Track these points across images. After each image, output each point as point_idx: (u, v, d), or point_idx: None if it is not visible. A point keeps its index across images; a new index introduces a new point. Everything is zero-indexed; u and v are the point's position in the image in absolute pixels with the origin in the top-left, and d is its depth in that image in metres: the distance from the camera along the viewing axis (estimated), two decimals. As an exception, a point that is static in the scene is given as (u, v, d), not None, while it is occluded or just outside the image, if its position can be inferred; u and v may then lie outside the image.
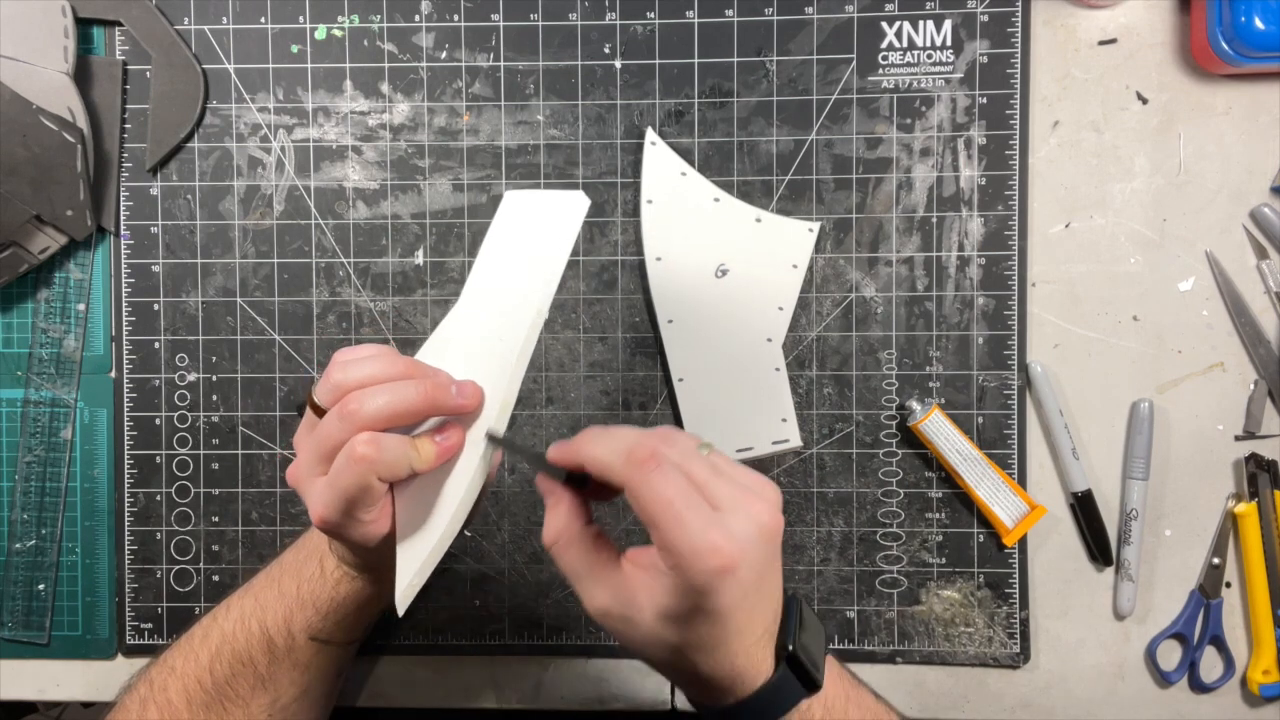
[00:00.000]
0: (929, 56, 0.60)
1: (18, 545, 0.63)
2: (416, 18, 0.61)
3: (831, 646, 0.61)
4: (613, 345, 0.61)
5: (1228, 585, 0.61)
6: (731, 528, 0.37)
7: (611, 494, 0.42)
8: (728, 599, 0.37)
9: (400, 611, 0.43)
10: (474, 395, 0.43)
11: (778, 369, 0.60)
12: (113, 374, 0.63)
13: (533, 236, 0.46)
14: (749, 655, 0.39)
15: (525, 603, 0.62)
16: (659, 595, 0.38)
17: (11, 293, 0.63)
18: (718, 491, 0.38)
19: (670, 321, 0.60)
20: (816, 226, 0.60)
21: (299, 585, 0.50)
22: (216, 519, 0.63)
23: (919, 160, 0.60)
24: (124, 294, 0.62)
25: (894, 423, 0.61)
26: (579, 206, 0.45)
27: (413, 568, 0.43)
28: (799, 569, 0.61)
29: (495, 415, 0.43)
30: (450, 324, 0.47)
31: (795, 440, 0.60)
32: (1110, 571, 0.61)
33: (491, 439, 0.43)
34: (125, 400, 0.62)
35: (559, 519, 0.41)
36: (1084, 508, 0.60)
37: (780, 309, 0.60)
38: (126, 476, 0.63)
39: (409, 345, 0.61)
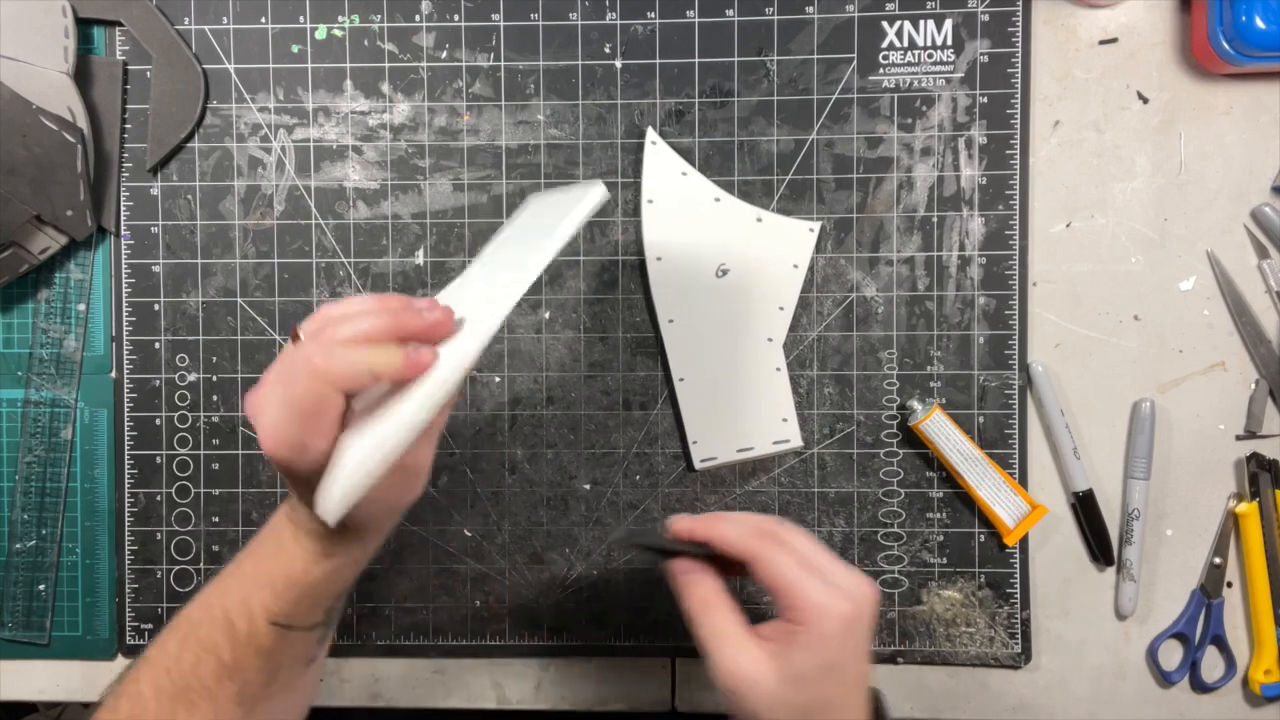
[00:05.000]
0: (930, 56, 0.60)
1: (18, 545, 0.63)
2: (417, 18, 0.61)
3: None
4: (613, 345, 0.61)
5: (1229, 585, 0.61)
6: (846, 588, 0.44)
7: (730, 575, 0.48)
8: (849, 651, 0.43)
9: (330, 520, 0.39)
10: (444, 315, 0.42)
11: (778, 369, 0.60)
12: (113, 374, 0.63)
13: (544, 220, 0.46)
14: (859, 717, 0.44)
15: (525, 603, 0.62)
16: (788, 656, 0.43)
17: (12, 293, 0.63)
18: (827, 564, 0.45)
19: (671, 321, 0.60)
20: (817, 226, 0.60)
21: (256, 563, 0.48)
22: (217, 519, 0.62)
23: (920, 160, 0.60)
24: (124, 294, 0.62)
25: (895, 423, 0.61)
26: (596, 193, 0.44)
27: (345, 471, 0.39)
28: (800, 569, 0.61)
29: (473, 344, 0.40)
30: (449, 290, 0.46)
31: (796, 440, 0.60)
32: (1111, 571, 0.61)
33: (632, 543, 0.52)
34: (125, 400, 0.62)
35: (707, 585, 0.47)
36: (1085, 507, 0.60)
37: (781, 309, 0.60)
38: (127, 476, 0.63)
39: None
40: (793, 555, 0.44)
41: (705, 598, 0.47)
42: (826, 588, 0.43)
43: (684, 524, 0.48)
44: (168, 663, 0.48)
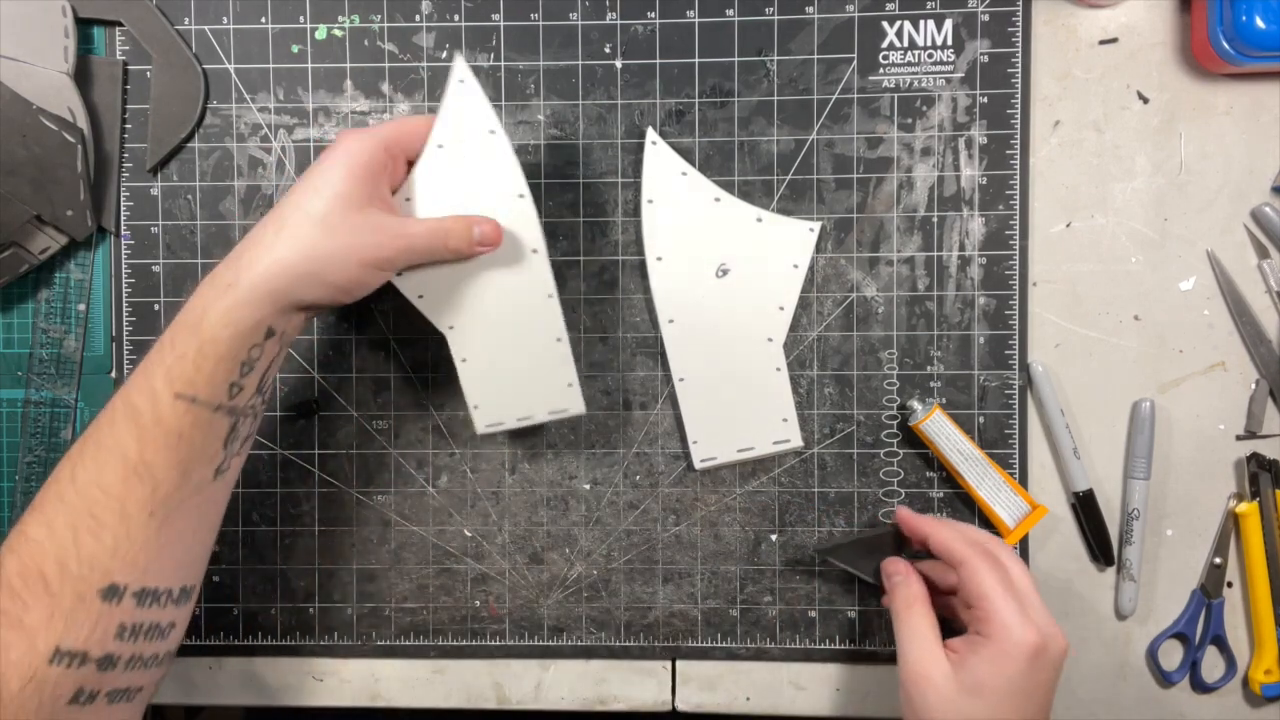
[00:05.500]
0: (930, 56, 0.60)
1: (18, 546, 0.63)
2: (417, 18, 0.61)
3: (833, 647, 0.61)
4: (613, 345, 0.61)
5: (1229, 585, 0.61)
6: (1040, 623, 0.47)
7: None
8: (1030, 682, 0.46)
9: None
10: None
11: (778, 369, 0.60)
12: (113, 374, 0.63)
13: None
14: None
15: (525, 603, 0.62)
16: (969, 665, 0.47)
17: (12, 293, 0.63)
18: (1031, 598, 0.48)
19: (671, 321, 0.60)
20: (817, 226, 0.60)
21: (161, 344, 0.46)
22: (217, 519, 0.62)
23: (920, 160, 0.60)
24: (124, 294, 0.62)
25: (895, 423, 0.61)
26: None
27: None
28: (799, 569, 0.61)
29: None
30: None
31: (796, 440, 0.60)
32: (1112, 571, 0.61)
33: (821, 553, 0.60)
34: (125, 400, 0.62)
35: (913, 588, 0.52)
36: (1085, 507, 0.60)
37: (781, 309, 0.60)
38: (127, 477, 0.62)
39: (409, 345, 0.61)
40: (999, 574, 0.48)
41: (909, 599, 0.51)
42: (1021, 614, 0.47)
43: (906, 513, 0.55)
44: (59, 490, 0.44)
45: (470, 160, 0.53)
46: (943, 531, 0.52)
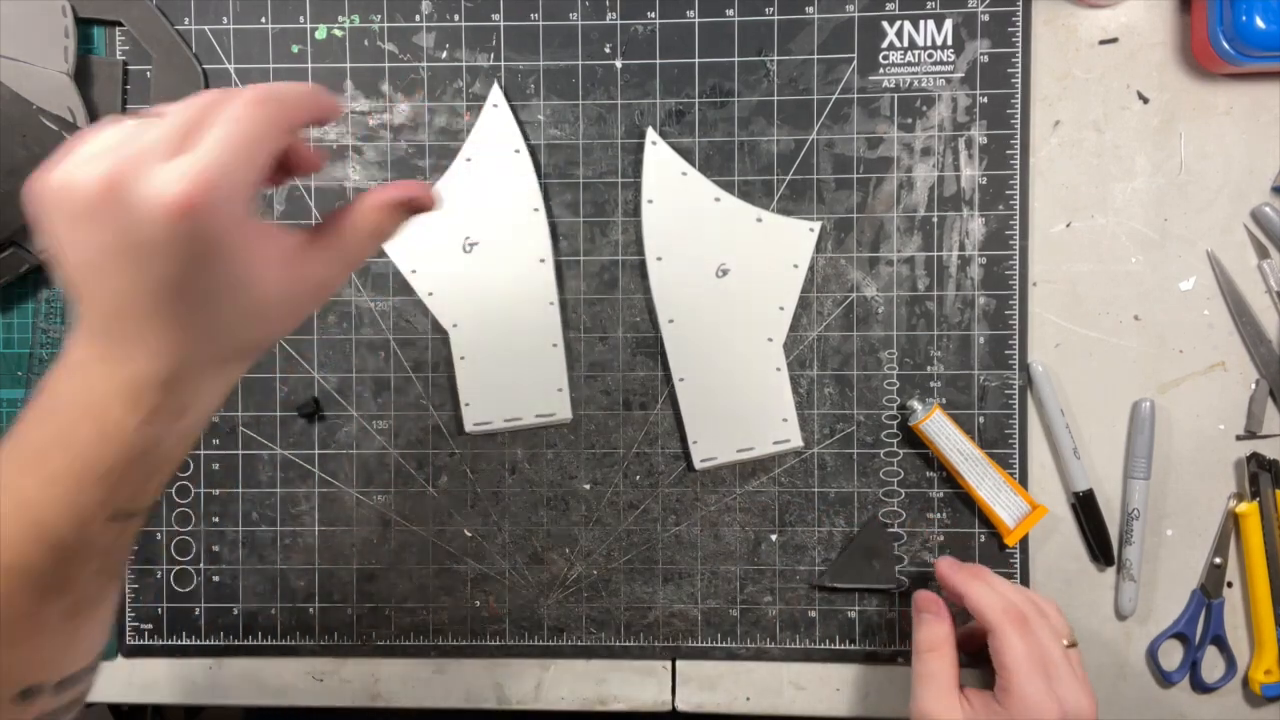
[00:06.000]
0: (930, 56, 0.60)
1: (18, 546, 0.63)
2: (417, 18, 0.61)
3: (834, 647, 0.61)
4: (613, 345, 0.61)
5: (1229, 585, 0.61)
6: (1065, 697, 0.47)
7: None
8: None
9: None
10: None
11: (778, 369, 0.60)
12: (113, 374, 0.63)
13: None
14: None
15: (525, 603, 0.62)
16: None
17: (12, 293, 0.63)
18: (1059, 668, 0.48)
19: (671, 321, 0.60)
20: (817, 226, 0.60)
21: (74, 458, 0.36)
22: (216, 519, 0.62)
23: (920, 160, 0.60)
24: (124, 294, 0.62)
25: (895, 422, 0.61)
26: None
27: None
28: (800, 569, 0.61)
29: None
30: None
31: (796, 440, 0.60)
32: (1112, 571, 0.61)
33: (823, 587, 0.60)
34: (125, 400, 0.62)
35: (940, 630, 0.52)
36: (1085, 507, 0.60)
37: (781, 309, 0.60)
38: (127, 477, 0.62)
39: (408, 345, 0.61)
40: (1030, 646, 0.48)
41: (934, 640, 0.52)
42: (1046, 691, 0.47)
43: (946, 567, 0.54)
44: None
45: (494, 174, 0.59)
46: (978, 593, 0.51)
